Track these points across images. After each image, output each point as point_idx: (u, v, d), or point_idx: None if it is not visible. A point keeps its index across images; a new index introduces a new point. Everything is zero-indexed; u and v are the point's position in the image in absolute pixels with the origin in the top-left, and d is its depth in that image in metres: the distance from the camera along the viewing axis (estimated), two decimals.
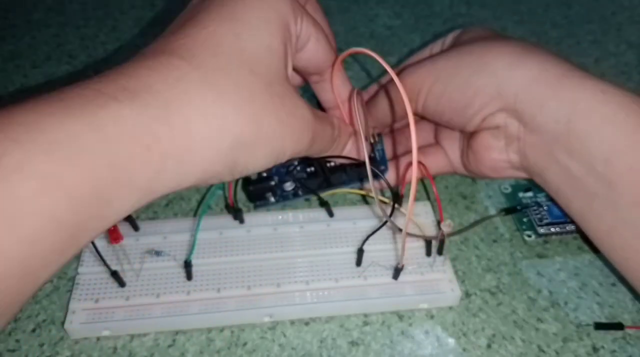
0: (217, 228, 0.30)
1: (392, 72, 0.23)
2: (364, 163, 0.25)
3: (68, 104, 0.16)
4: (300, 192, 0.32)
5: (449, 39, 0.32)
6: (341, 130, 0.28)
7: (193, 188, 0.34)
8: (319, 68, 0.26)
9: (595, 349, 0.27)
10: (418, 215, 0.31)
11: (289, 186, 0.32)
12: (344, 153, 0.29)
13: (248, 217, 0.31)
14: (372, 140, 0.31)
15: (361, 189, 0.32)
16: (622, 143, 0.23)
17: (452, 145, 0.32)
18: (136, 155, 0.17)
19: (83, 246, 0.17)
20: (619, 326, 0.27)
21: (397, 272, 0.28)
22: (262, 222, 0.31)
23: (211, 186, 0.34)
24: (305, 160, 0.32)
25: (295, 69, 0.25)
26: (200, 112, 0.18)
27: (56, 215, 0.15)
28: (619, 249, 0.25)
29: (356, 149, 0.30)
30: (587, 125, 0.24)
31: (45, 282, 0.16)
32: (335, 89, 0.28)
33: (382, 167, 0.32)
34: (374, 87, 0.34)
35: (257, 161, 0.21)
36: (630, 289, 0.29)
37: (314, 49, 0.24)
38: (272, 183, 0.32)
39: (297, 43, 0.23)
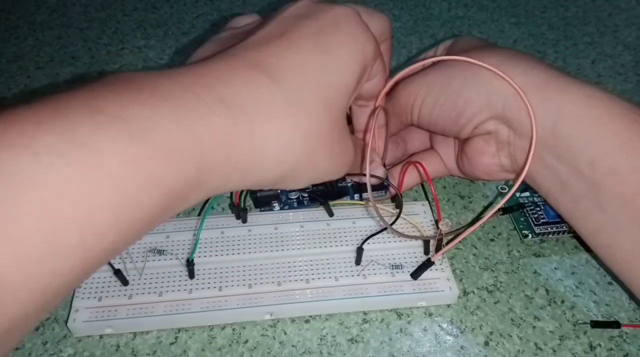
0: (218, 227, 0.31)
1: None
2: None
3: (174, 107, 0.17)
4: (305, 201, 0.33)
5: (440, 49, 0.32)
6: (362, 154, 0.29)
7: None
8: (371, 98, 0.27)
9: (592, 347, 0.27)
10: (416, 214, 0.32)
11: (294, 194, 0.33)
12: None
13: (249, 216, 0.31)
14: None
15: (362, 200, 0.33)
16: (606, 145, 0.24)
17: (446, 150, 0.33)
18: (219, 166, 0.18)
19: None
20: (615, 324, 0.28)
21: (423, 267, 0.28)
22: (263, 221, 0.31)
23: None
24: None
25: None
26: (275, 137, 0.19)
27: (149, 210, 0.16)
28: (606, 247, 0.25)
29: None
30: (573, 129, 0.24)
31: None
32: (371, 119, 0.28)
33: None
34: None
35: (296, 184, 0.22)
36: (626, 287, 0.29)
37: (376, 84, 0.25)
38: (278, 191, 0.32)
39: (366, 80, 0.24)
